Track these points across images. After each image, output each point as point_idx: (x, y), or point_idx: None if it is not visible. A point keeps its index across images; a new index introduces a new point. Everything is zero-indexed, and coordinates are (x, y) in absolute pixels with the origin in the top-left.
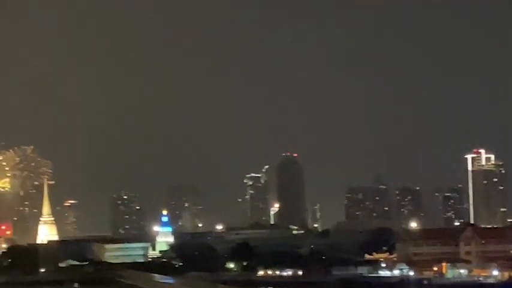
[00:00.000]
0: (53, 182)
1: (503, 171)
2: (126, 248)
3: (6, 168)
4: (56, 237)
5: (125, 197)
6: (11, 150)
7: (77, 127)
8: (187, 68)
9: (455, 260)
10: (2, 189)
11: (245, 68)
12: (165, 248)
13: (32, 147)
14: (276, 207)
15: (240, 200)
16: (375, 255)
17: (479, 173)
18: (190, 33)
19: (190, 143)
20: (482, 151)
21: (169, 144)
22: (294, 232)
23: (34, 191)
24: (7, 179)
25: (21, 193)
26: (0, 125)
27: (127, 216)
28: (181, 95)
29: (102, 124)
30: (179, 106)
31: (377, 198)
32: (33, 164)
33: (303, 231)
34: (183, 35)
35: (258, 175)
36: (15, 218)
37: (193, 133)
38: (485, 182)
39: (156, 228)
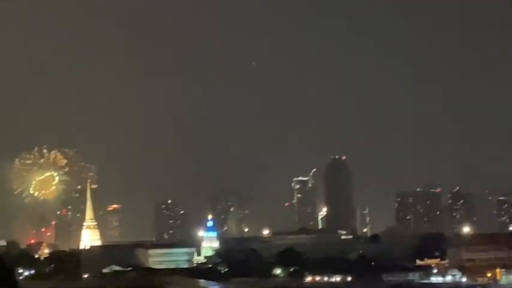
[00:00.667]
0: (96, 186)
1: None
2: (171, 253)
3: (54, 174)
4: (99, 243)
5: (169, 201)
6: (56, 154)
7: (120, 130)
8: (234, 71)
9: (510, 266)
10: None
11: (293, 65)
12: (210, 253)
13: (73, 150)
14: (323, 211)
15: (287, 204)
16: (426, 261)
17: None
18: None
19: (236, 146)
20: None
21: (214, 147)
22: (343, 237)
23: (77, 195)
24: (54, 187)
25: (64, 197)
26: (42, 127)
27: (171, 221)
28: (227, 95)
29: (146, 127)
30: (225, 108)
31: (428, 202)
32: (76, 168)
33: (351, 236)
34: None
35: (306, 178)
36: (58, 223)
37: (239, 136)
38: None
39: (201, 233)
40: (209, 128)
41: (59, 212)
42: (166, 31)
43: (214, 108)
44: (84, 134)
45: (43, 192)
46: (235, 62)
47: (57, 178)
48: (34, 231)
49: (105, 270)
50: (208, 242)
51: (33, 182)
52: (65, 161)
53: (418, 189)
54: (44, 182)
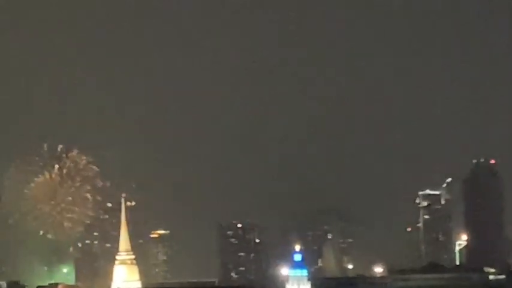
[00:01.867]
0: (133, 204)
1: None
2: None
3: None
4: (138, 284)
5: (239, 225)
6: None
7: (166, 133)
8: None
9: None
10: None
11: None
12: None
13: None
14: (463, 240)
15: (409, 229)
16: None
17: None
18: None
19: (333, 153)
20: None
21: (301, 155)
22: (491, 277)
23: (106, 216)
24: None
25: (88, 220)
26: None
27: (242, 254)
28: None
29: (202, 127)
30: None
31: None
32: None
33: (504, 276)
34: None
35: (437, 192)
36: (79, 256)
37: (336, 139)
38: None
39: (284, 271)
40: (294, 130)
41: (80, 244)
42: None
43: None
44: (116, 138)
45: (58, 211)
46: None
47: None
48: (46, 267)
49: None
50: (296, 284)
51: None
52: (94, 169)
53: None
54: (60, 198)
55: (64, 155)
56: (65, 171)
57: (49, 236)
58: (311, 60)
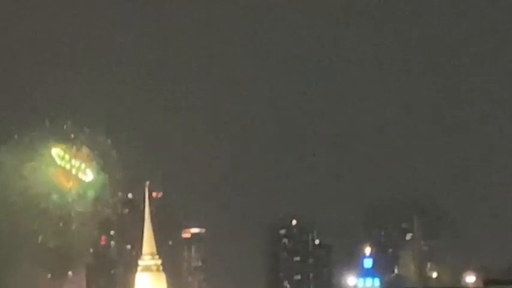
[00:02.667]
0: (160, 195)
1: None
2: None
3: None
4: None
5: (294, 222)
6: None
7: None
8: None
9: None
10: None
11: None
12: None
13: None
14: None
15: None
16: None
17: None
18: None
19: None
20: None
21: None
22: None
23: (126, 210)
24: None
25: (102, 215)
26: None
27: (297, 258)
28: None
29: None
30: None
31: None
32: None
33: None
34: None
35: None
36: (92, 261)
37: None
38: None
39: (351, 280)
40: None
41: (92, 250)
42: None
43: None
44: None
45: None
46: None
47: (87, 177)
48: (50, 275)
49: None
50: None
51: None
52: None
53: None
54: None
55: (72, 134)
56: (72, 154)
57: (52, 237)
58: None
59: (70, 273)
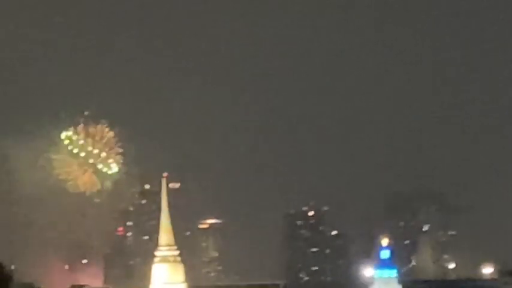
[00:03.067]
0: (178, 186)
1: None
2: None
3: (100, 167)
4: (183, 287)
5: (311, 213)
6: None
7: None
8: None
9: None
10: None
11: None
12: None
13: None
14: None
15: None
16: None
17: None
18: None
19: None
20: None
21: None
22: None
23: (143, 201)
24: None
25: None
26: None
27: (314, 249)
28: None
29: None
30: None
31: None
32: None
33: None
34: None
35: None
36: (109, 252)
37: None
38: None
39: (368, 271)
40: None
41: (109, 241)
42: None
43: None
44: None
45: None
46: None
47: (105, 168)
48: (67, 266)
49: None
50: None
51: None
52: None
53: None
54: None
55: (86, 125)
56: (89, 142)
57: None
58: None
59: (87, 263)
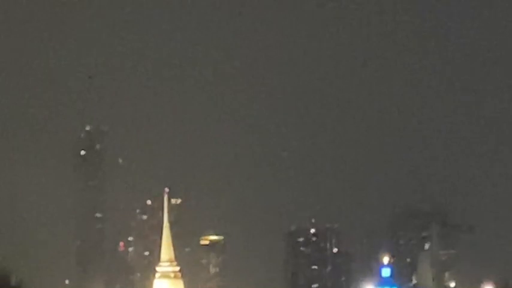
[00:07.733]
0: (179, 202)
1: None
2: None
3: None
4: None
5: (312, 230)
6: None
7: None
8: None
9: None
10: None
11: None
12: None
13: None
14: None
15: None
16: None
17: None
18: None
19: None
20: None
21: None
22: None
23: (144, 216)
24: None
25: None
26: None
27: (315, 267)
28: None
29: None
30: None
31: None
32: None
33: None
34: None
35: None
36: (110, 264)
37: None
38: None
39: None
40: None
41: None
42: None
43: None
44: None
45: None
46: None
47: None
48: (67, 280)
49: None
50: None
51: None
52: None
53: None
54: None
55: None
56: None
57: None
58: None
59: (88, 278)
